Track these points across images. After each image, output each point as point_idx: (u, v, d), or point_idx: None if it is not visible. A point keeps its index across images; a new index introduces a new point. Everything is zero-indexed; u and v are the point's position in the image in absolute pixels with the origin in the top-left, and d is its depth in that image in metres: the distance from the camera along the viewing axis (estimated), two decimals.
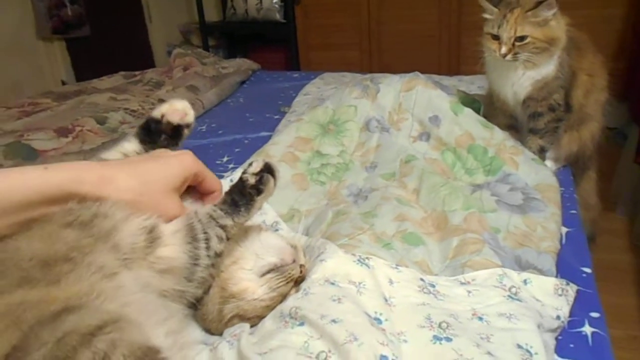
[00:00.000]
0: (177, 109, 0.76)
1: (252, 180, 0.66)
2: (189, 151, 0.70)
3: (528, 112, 1.15)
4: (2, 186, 0.52)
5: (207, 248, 0.62)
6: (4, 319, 0.44)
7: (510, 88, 1.14)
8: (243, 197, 0.65)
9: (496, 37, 1.06)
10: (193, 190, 0.70)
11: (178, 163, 0.65)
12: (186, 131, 0.76)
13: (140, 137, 0.74)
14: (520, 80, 1.10)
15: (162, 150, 0.72)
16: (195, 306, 0.67)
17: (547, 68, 1.08)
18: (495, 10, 1.07)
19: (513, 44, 1.04)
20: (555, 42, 1.05)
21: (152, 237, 0.58)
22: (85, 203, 0.56)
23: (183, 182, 0.65)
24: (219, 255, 0.64)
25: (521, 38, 1.03)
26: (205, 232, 0.62)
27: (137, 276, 0.54)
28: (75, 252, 0.51)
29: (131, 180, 0.60)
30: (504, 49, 1.05)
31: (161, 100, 1.83)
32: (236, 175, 1.05)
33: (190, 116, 0.76)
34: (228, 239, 0.65)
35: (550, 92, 1.10)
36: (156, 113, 0.76)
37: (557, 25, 1.05)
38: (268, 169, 0.67)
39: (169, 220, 0.62)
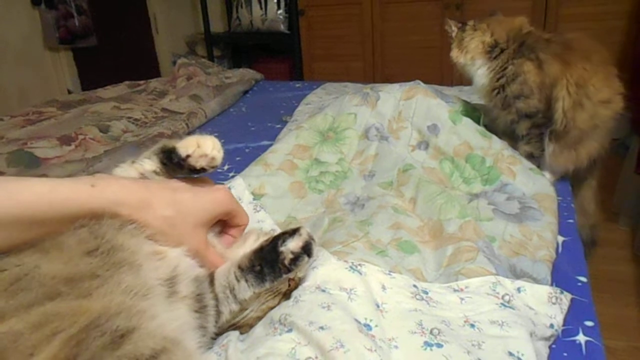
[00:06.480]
0: (205, 154, 0.67)
1: (287, 257, 0.62)
2: (226, 188, 0.70)
3: (505, 118, 1.21)
4: (55, 199, 0.54)
5: (216, 322, 0.62)
6: (43, 329, 0.44)
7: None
8: (272, 271, 0.62)
9: None
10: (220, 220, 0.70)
11: (212, 200, 0.66)
12: (211, 170, 0.70)
13: (161, 158, 0.69)
14: (476, 87, 1.25)
15: (202, 181, 0.70)
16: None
17: (481, 78, 1.22)
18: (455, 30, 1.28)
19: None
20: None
21: (171, 291, 0.58)
22: (97, 231, 0.56)
23: (213, 218, 0.66)
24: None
25: None
26: (217, 310, 0.62)
27: (163, 309, 0.54)
28: (102, 271, 0.52)
29: (167, 209, 0.61)
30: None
31: (164, 110, 1.85)
32: (235, 183, 1.05)
33: (217, 160, 0.68)
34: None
35: (502, 102, 1.18)
36: (181, 150, 0.67)
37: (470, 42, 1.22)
38: (307, 250, 0.63)
39: (191, 252, 0.62)
